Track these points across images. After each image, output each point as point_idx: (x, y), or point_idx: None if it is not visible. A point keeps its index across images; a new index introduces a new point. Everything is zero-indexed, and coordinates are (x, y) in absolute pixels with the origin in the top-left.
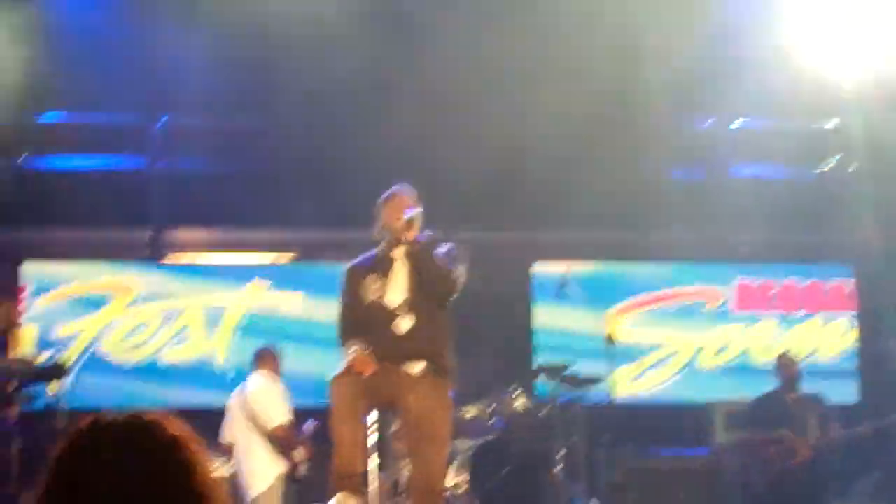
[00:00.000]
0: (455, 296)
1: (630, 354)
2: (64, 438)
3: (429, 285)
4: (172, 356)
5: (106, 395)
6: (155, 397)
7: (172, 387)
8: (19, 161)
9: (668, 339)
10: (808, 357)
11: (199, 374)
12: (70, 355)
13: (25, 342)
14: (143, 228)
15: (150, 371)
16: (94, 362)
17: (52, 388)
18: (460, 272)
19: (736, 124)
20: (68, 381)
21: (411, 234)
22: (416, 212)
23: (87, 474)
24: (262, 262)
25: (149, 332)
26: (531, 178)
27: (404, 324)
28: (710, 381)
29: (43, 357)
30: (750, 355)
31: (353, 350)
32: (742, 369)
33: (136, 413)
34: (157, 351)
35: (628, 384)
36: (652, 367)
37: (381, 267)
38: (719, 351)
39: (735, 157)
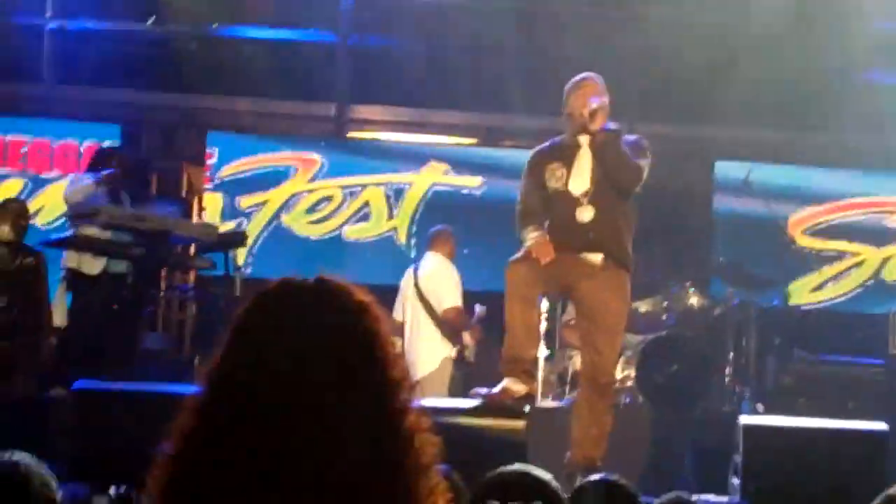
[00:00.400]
0: (638, 188)
1: (811, 263)
2: (250, 298)
3: (612, 176)
4: (354, 233)
5: (286, 267)
6: (335, 273)
7: (354, 263)
8: (211, 29)
9: (852, 250)
10: None
11: (380, 251)
12: (253, 226)
13: (211, 211)
14: (327, 103)
15: (332, 246)
16: (277, 235)
17: (232, 257)
18: (644, 164)
19: None
20: (248, 250)
21: (597, 124)
22: (602, 101)
23: (271, 333)
24: (444, 144)
25: (331, 208)
26: (719, 73)
27: (586, 213)
28: (894, 295)
29: (227, 226)
30: None
31: (533, 236)
32: None
33: (324, 277)
34: (339, 227)
35: (809, 294)
36: (834, 277)
37: (566, 155)
38: None
39: None
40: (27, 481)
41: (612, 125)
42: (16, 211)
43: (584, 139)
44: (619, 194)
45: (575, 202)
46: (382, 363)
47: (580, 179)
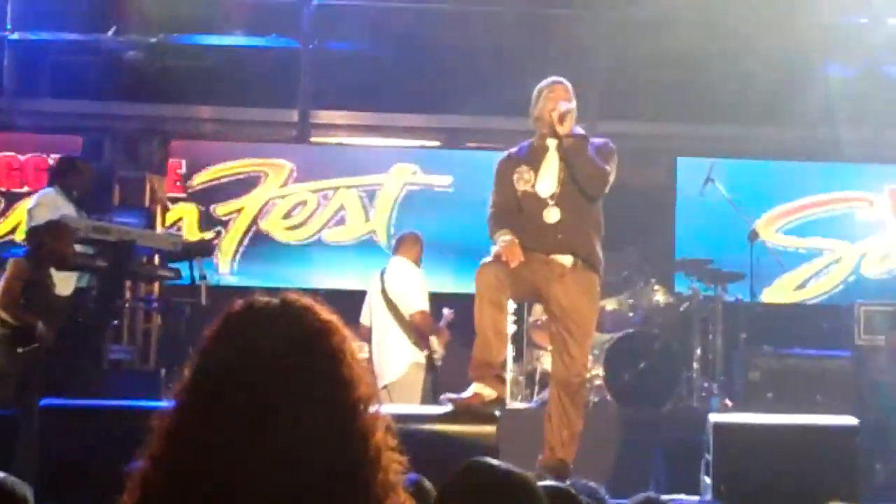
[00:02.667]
0: (605, 192)
1: (791, 261)
2: (216, 320)
3: (580, 180)
4: (333, 236)
5: (270, 274)
6: (314, 277)
7: (337, 267)
8: (171, 38)
9: (827, 246)
10: None
11: (362, 253)
12: (232, 234)
13: (187, 221)
14: (290, 110)
15: (314, 251)
16: (258, 241)
17: (197, 266)
18: (611, 168)
19: (893, 21)
20: (230, 258)
21: (566, 128)
22: (571, 105)
23: (238, 356)
24: (408, 146)
25: (307, 213)
26: (679, 71)
27: (553, 214)
28: (877, 289)
29: (206, 235)
30: None
31: (504, 240)
32: None
33: (289, 297)
34: (317, 231)
35: (793, 292)
36: (816, 275)
37: (534, 157)
38: (883, 258)
39: (891, 55)
40: (11, 498)
41: (580, 130)
42: None
43: (552, 142)
44: (587, 198)
45: (542, 204)
46: (347, 383)
47: (547, 181)
